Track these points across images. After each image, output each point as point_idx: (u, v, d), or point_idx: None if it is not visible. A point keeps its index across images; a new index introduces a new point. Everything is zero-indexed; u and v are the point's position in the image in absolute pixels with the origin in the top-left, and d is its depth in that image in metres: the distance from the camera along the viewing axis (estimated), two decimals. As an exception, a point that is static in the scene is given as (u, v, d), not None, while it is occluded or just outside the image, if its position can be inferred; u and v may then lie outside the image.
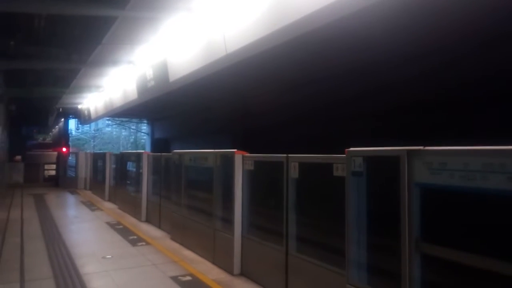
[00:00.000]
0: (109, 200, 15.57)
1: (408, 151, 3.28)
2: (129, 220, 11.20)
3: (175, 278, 6.08)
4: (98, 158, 18.25)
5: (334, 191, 4.29)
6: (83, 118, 22.93)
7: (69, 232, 9.60)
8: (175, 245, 8.20)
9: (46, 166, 24.05)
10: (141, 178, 11.35)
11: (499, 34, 6.77)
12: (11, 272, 6.43)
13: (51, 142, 31.05)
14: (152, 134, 27.10)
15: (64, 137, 25.51)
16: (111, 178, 15.77)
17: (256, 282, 5.90)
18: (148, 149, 26.99)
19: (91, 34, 8.64)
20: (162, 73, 9.73)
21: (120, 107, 15.14)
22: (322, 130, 11.32)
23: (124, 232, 9.51)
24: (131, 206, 12.10)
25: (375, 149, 3.71)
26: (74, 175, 21.53)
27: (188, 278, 6.12)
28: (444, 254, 3.05)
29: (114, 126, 48.97)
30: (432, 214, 3.23)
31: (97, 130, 57.51)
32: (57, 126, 29.79)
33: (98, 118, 21.66)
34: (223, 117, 16.73)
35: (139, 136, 49.92)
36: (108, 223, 10.70)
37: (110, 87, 14.49)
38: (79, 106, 21.43)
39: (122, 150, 43.50)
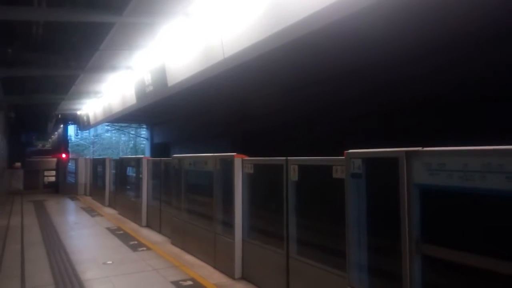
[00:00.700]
0: (109, 205, 15.55)
1: (407, 152, 3.29)
2: (130, 226, 11.18)
3: (176, 283, 6.06)
4: (97, 164, 18.23)
5: (334, 193, 4.29)
6: (82, 124, 22.93)
7: (70, 238, 9.58)
8: (176, 250, 8.19)
9: (45, 173, 24.01)
10: (141, 183, 11.34)
11: (500, 31, 6.76)
12: (12, 279, 6.41)
13: (50, 148, 31.00)
14: (151, 139, 27.10)
15: (63, 143, 25.49)
16: (111, 184, 15.76)
17: (258, 285, 5.89)
18: (147, 154, 26.97)
19: (89, 41, 8.65)
20: (161, 78, 9.74)
21: (119, 112, 15.14)
22: (321, 132, 11.34)
23: (125, 237, 9.50)
24: (132, 212, 12.08)
25: (374, 150, 3.71)
26: (74, 181, 21.51)
27: (189, 282, 6.11)
28: (445, 255, 3.05)
29: (113, 131, 48.98)
30: (432, 215, 3.23)
31: (97, 135, 57.54)
32: (56, 133, 29.77)
33: (97, 123, 21.66)
34: (222, 121, 16.75)
35: (139, 141, 49.96)
36: (108, 228, 10.69)
37: (108, 92, 14.51)
38: (78, 112, 21.44)
39: (121, 155, 43.49)
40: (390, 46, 7.95)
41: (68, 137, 28.41)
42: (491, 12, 6.25)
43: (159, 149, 24.58)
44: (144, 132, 31.53)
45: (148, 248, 8.37)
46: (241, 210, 6.36)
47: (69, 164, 23.10)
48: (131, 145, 56.67)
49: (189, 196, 8.35)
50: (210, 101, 15.45)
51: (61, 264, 7.24)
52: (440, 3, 6.15)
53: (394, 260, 3.38)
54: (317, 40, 7.43)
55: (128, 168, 13.21)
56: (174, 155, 9.13)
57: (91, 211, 14.27)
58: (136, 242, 8.93)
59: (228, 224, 6.58)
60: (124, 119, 23.20)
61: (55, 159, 23.96)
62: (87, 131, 46.56)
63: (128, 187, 13.02)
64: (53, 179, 23.46)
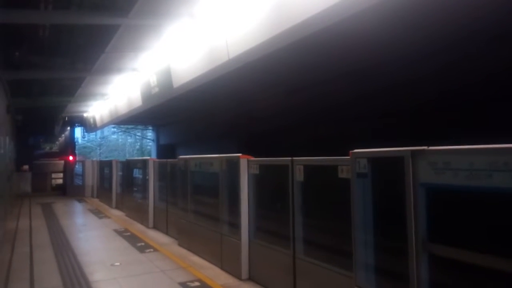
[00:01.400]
0: (116, 207, 15.63)
1: (412, 151, 3.27)
2: (137, 227, 11.23)
3: (183, 284, 6.08)
4: (104, 166, 18.33)
5: (340, 193, 4.28)
6: (88, 126, 23.08)
7: (77, 240, 9.65)
8: (183, 251, 8.21)
9: (53, 175, 24.17)
10: (148, 185, 11.38)
11: (506, 30, 6.71)
12: (21, 282, 6.47)
13: (57, 151, 31.20)
14: (157, 140, 27.20)
15: (70, 145, 25.68)
16: (118, 186, 15.83)
17: (264, 286, 5.90)
18: (154, 155, 27.08)
19: (95, 43, 8.71)
20: (166, 79, 9.77)
21: (125, 114, 15.22)
22: (327, 132, 11.32)
23: (132, 239, 9.54)
24: (138, 213, 12.13)
25: (379, 150, 3.70)
26: (81, 184, 21.64)
27: (197, 284, 6.12)
28: (451, 254, 3.04)
29: (119, 133, 49.20)
30: (438, 214, 3.22)
31: (103, 137, 57.86)
32: (63, 135, 29.97)
33: (104, 125, 21.78)
34: (227, 122, 16.77)
35: (145, 143, 50.16)
36: (115, 230, 10.74)
37: (114, 94, 14.58)
38: (85, 115, 21.57)
39: (128, 157, 43.68)
40: (394, 45, 7.92)
41: (75, 140, 28.61)
42: (496, 11, 6.20)
43: (165, 150, 24.67)
44: (150, 133, 31.67)
45: (155, 250, 8.40)
46: (247, 210, 6.37)
47: (76, 166, 23.24)
48: (137, 146, 56.93)
49: (195, 197, 8.37)
50: (215, 102, 15.48)
51: (69, 266, 7.29)
52: (445, 2, 6.11)
53: (400, 260, 3.37)
54: (322, 40, 7.41)
55: (135, 169, 13.27)
56: (180, 156, 9.16)
57: (98, 213, 14.34)
58: (143, 244, 8.96)
59: (235, 225, 6.59)
60: (130, 120, 23.31)
61: (62, 162, 24.11)
62: (94, 133, 46.87)
63: (135, 188, 13.08)
64: (60, 181, 23.62)
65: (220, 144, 16.84)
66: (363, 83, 9.86)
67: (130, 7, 6.35)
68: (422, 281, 3.21)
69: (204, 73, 7.94)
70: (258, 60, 6.75)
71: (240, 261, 6.31)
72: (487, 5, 6.03)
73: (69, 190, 21.64)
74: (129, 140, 57.39)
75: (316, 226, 5.17)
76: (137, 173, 13.03)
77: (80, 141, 47.26)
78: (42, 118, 21.94)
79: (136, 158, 23.06)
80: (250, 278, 6.25)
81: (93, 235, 10.42)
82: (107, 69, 10.71)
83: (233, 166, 6.61)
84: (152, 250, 8.39)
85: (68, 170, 22.49)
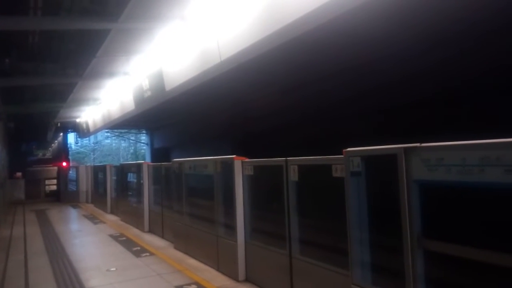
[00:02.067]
0: (111, 212, 15.55)
1: (405, 148, 3.29)
2: (132, 232, 11.18)
3: None
4: (98, 171, 18.24)
5: (335, 192, 4.29)
6: (81, 131, 22.94)
7: (73, 247, 9.59)
8: (179, 254, 8.19)
9: (47, 182, 24.01)
10: (142, 189, 11.34)
11: (500, 24, 6.73)
12: (16, 289, 6.42)
13: (51, 157, 31.00)
14: (151, 144, 27.10)
15: (63, 151, 25.52)
16: (112, 190, 15.76)
17: (262, 287, 5.89)
18: (148, 159, 26.96)
19: (86, 48, 8.67)
20: (158, 82, 9.75)
21: (118, 118, 15.15)
22: (321, 131, 11.33)
23: (128, 243, 9.50)
24: (134, 218, 12.08)
25: (372, 148, 3.72)
26: (75, 189, 21.51)
27: (194, 286, 6.11)
28: (446, 249, 3.05)
29: (113, 138, 48.99)
30: (433, 210, 3.24)
31: (96, 142, 57.54)
32: (56, 141, 29.77)
33: (97, 130, 21.67)
34: (221, 123, 16.75)
35: (139, 147, 49.94)
36: (111, 235, 10.68)
37: (107, 99, 14.51)
38: (78, 120, 21.44)
39: (122, 161, 43.47)
40: (387, 43, 7.93)
41: (68, 145, 28.46)
42: (493, 3, 6.22)
43: (160, 154, 24.57)
44: (144, 137, 31.53)
45: (151, 254, 8.37)
46: (242, 212, 6.36)
47: (70, 172, 23.10)
48: (131, 151, 56.67)
49: (190, 200, 8.35)
50: (208, 104, 15.46)
51: (64, 272, 7.24)
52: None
53: (396, 256, 3.38)
54: (314, 39, 7.42)
55: (129, 174, 13.21)
56: (174, 159, 9.14)
57: (93, 219, 14.26)
58: (139, 248, 8.92)
59: (230, 227, 6.58)
60: (123, 125, 23.20)
61: (56, 168, 23.97)
62: (87, 138, 46.59)
63: (130, 193, 13.02)
64: (54, 187, 23.47)
65: (215, 145, 16.80)
66: (357, 81, 9.88)
67: (120, 11, 6.32)
68: (418, 277, 3.22)
69: (197, 75, 7.93)
70: (250, 61, 6.74)
71: (237, 263, 6.30)
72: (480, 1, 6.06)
73: (63, 196, 21.50)
74: (123, 145, 57.12)
75: (312, 225, 5.18)
76: (131, 178, 12.98)
77: (73, 146, 46.98)
78: (35, 125, 21.78)
79: (130, 162, 22.97)
80: (247, 280, 6.25)
81: (88, 241, 10.36)
82: (98, 74, 10.65)
83: (228, 167, 6.61)
84: (148, 254, 8.35)
85: (61, 176, 22.35)
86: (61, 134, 26.07)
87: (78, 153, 54.57)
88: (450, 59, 7.74)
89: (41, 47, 8.94)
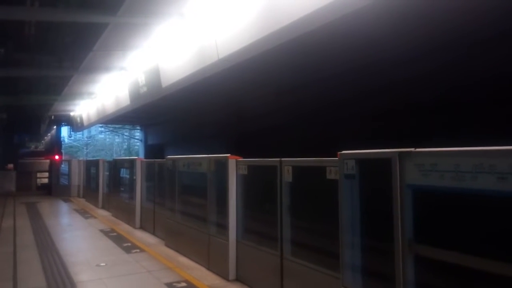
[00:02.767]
0: (103, 207, 15.47)
1: (400, 153, 3.30)
2: (123, 227, 11.12)
3: (170, 285, 6.04)
4: (91, 166, 18.13)
5: (328, 194, 4.29)
6: (75, 125, 22.81)
7: (63, 241, 9.51)
8: (170, 252, 8.16)
9: (38, 174, 23.84)
10: (135, 185, 11.29)
11: (497, 32, 6.77)
12: (4, 282, 6.35)
13: (43, 150, 30.83)
14: (145, 140, 27.00)
15: (56, 144, 25.34)
16: (105, 186, 15.68)
17: (252, 287, 5.88)
18: (141, 155, 26.87)
19: (82, 41, 8.62)
20: (155, 79, 9.71)
21: (113, 113, 15.09)
22: (317, 133, 11.36)
23: (118, 239, 9.45)
24: (125, 213, 12.02)
25: (367, 151, 3.72)
26: (67, 183, 21.36)
27: (183, 284, 6.09)
28: (438, 255, 3.07)
29: (107, 133, 48.75)
30: (425, 215, 3.25)
31: (90, 137, 57.28)
32: (49, 134, 29.59)
33: (91, 125, 21.56)
34: (216, 122, 16.74)
35: (133, 143, 49.76)
36: (102, 230, 10.62)
37: (102, 93, 14.44)
38: (72, 113, 21.33)
39: (115, 157, 43.29)
40: (385, 46, 7.97)
41: (61, 139, 28.25)
42: (489, 12, 6.26)
43: (153, 151, 24.49)
44: (138, 133, 31.43)
45: (142, 250, 8.33)
46: (235, 211, 6.35)
47: (62, 165, 22.94)
48: (125, 146, 56.48)
49: (183, 198, 8.32)
50: (204, 102, 15.44)
51: (54, 266, 7.18)
52: (437, 3, 6.16)
53: (387, 260, 3.39)
54: (312, 41, 7.44)
55: (122, 169, 13.14)
56: (168, 156, 9.11)
57: (84, 213, 14.18)
58: (129, 244, 8.88)
59: (222, 226, 6.57)
60: (118, 120, 23.11)
61: (48, 161, 23.80)
62: (81, 132, 46.36)
63: (122, 188, 12.96)
64: (46, 181, 23.30)
65: (209, 144, 16.78)
66: (354, 84, 9.92)
67: (119, 5, 6.28)
68: (408, 282, 3.23)
69: (193, 73, 7.91)
70: (248, 60, 6.75)
71: (228, 262, 6.29)
72: (483, 5, 6.08)
73: (55, 189, 21.34)
74: (116, 140, 56.89)
75: (304, 227, 5.19)
76: (124, 173, 12.92)
77: (66, 140, 46.69)
78: (28, 117, 21.64)
79: (123, 157, 22.89)
80: (238, 279, 6.24)
81: (78, 235, 10.29)
82: (94, 68, 10.59)
83: (222, 166, 6.59)
84: (138, 250, 8.32)
85: (54, 169, 22.18)
86: (55, 127, 25.90)
87: (71, 147, 54.28)
88: (447, 64, 7.79)
89: (37, 39, 8.87)
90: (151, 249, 8.42)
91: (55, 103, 16.90)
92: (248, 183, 6.28)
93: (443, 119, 8.04)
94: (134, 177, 11.35)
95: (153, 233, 10.06)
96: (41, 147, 32.56)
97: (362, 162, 3.77)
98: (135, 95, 11.47)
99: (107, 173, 15.44)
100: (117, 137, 52.21)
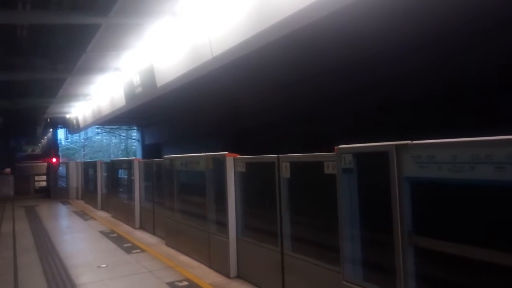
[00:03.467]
0: (102, 209, 15.44)
1: (397, 145, 3.30)
2: (123, 228, 11.12)
3: (171, 284, 6.05)
4: (89, 167, 18.09)
5: (327, 189, 4.30)
6: (71, 127, 22.73)
7: (63, 243, 9.50)
8: (171, 251, 8.16)
9: (36, 178, 23.79)
10: (133, 185, 11.27)
11: (496, 22, 6.74)
12: (5, 286, 6.34)
13: (40, 153, 30.73)
14: (142, 140, 26.96)
15: (53, 147, 25.24)
16: (103, 187, 15.65)
17: (253, 283, 5.89)
18: (139, 155, 26.85)
19: (75, 43, 8.58)
20: (149, 78, 9.68)
21: (109, 114, 15.04)
22: (314, 128, 11.36)
23: (118, 240, 9.44)
24: (124, 214, 12.01)
25: (364, 145, 3.73)
26: (65, 185, 21.32)
27: (185, 283, 6.09)
28: (437, 246, 3.08)
29: (104, 134, 48.60)
30: (424, 207, 3.26)
31: (87, 139, 57.09)
32: (46, 137, 29.48)
33: (87, 126, 21.48)
34: (213, 120, 16.72)
35: (130, 143, 49.69)
36: (101, 232, 10.61)
37: (97, 95, 14.39)
38: (67, 116, 21.23)
39: (113, 157, 43.21)
40: (381, 39, 7.95)
41: (58, 141, 28.14)
42: (486, 2, 6.24)
43: (151, 150, 24.46)
44: (135, 133, 31.37)
45: (143, 250, 8.33)
46: (234, 208, 6.35)
47: (60, 168, 22.89)
48: (122, 147, 56.35)
49: (182, 197, 8.32)
50: (200, 101, 15.41)
51: (54, 269, 7.18)
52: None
53: (387, 253, 3.40)
54: (306, 36, 7.42)
55: (120, 170, 13.12)
56: (166, 155, 9.09)
57: (83, 215, 14.16)
58: (130, 245, 8.88)
59: (222, 223, 6.57)
60: (114, 121, 23.04)
61: (45, 164, 23.75)
62: (77, 134, 46.15)
63: (121, 189, 12.94)
64: (44, 184, 23.25)
65: (206, 142, 16.77)
66: (349, 79, 9.91)
67: (111, 6, 6.25)
68: (409, 274, 3.24)
69: (188, 72, 7.89)
70: (242, 58, 6.73)
71: (228, 259, 6.30)
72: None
73: (53, 192, 21.30)
74: (113, 141, 56.76)
75: (304, 222, 5.19)
76: (122, 174, 12.89)
77: (63, 142, 46.49)
78: (24, 120, 21.55)
79: (121, 158, 22.85)
80: (239, 276, 6.25)
81: (78, 237, 10.28)
82: (89, 69, 10.54)
83: (219, 164, 6.59)
84: (139, 250, 8.32)
85: (51, 172, 22.14)
86: (51, 129, 25.79)
87: (68, 149, 54.09)
88: (444, 57, 7.78)
89: (30, 41, 8.82)
90: (151, 249, 8.42)
91: (51, 105, 16.82)
92: (247, 181, 6.28)
93: (442, 111, 8.04)
94: (133, 178, 11.33)
95: (153, 233, 10.06)
96: (38, 150, 32.44)
97: (359, 156, 3.77)
98: (131, 96, 11.44)
99: (105, 174, 15.42)
100: (114, 138, 52.14)
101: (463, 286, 2.98)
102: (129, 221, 11.48)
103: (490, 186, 2.66)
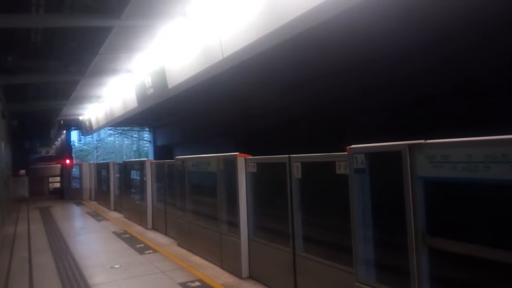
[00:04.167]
0: (115, 209, 15.59)
1: (410, 145, 3.27)
2: (136, 229, 11.20)
3: (184, 285, 6.07)
4: (101, 168, 18.28)
5: (339, 189, 4.27)
6: (84, 129, 22.97)
7: (77, 244, 9.61)
8: (183, 251, 8.20)
9: (50, 179, 24.08)
10: (145, 186, 11.35)
11: (506, 21, 6.64)
12: (20, 286, 6.44)
13: (54, 154, 31.10)
14: (154, 141, 27.14)
15: (67, 149, 25.57)
16: (116, 188, 15.79)
17: (265, 284, 5.89)
18: (151, 156, 27.02)
19: (88, 45, 8.66)
20: (161, 80, 9.73)
21: (121, 116, 15.15)
22: (324, 128, 11.31)
23: (131, 240, 9.52)
24: (137, 215, 12.10)
25: (376, 145, 3.69)
26: (78, 187, 21.57)
27: (197, 284, 6.11)
28: (451, 247, 3.03)
29: (116, 135, 49.10)
30: (438, 207, 3.22)
31: (100, 140, 57.73)
32: (59, 139, 29.86)
33: (100, 128, 21.68)
34: (224, 121, 16.75)
35: (142, 144, 50.03)
36: (114, 232, 10.71)
37: (110, 96, 14.52)
38: (80, 117, 21.48)
39: (125, 159, 43.59)
40: (390, 39, 7.89)
41: (71, 143, 28.50)
42: (495, 2, 6.16)
43: (162, 151, 24.62)
44: (146, 135, 31.57)
45: (155, 251, 8.38)
46: (245, 209, 6.35)
47: (73, 169, 23.15)
48: (134, 148, 56.81)
49: (193, 197, 8.35)
50: (211, 102, 15.45)
51: (68, 269, 7.26)
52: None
53: (401, 254, 3.36)
54: (317, 36, 7.39)
55: (132, 171, 13.23)
56: (177, 156, 9.13)
57: (97, 216, 14.30)
58: (142, 245, 8.94)
59: (233, 224, 6.57)
60: (126, 122, 23.24)
61: (59, 165, 24.04)
62: (90, 136, 46.68)
63: (133, 190, 13.04)
64: (58, 185, 23.53)
65: (217, 143, 16.81)
66: (360, 79, 9.85)
67: (123, 8, 6.30)
68: (423, 275, 3.20)
69: (199, 73, 7.91)
70: (252, 58, 6.72)
71: (240, 260, 6.30)
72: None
73: (67, 193, 21.57)
74: (126, 142, 57.28)
75: (315, 222, 5.17)
76: (134, 175, 13.00)
77: (76, 144, 47.07)
78: (38, 122, 21.83)
79: (133, 159, 23.04)
80: (251, 277, 6.25)
81: (92, 238, 10.39)
82: (101, 71, 10.65)
83: (231, 165, 6.60)
84: (151, 251, 8.37)
85: (65, 173, 22.42)
86: (64, 131, 26.13)
87: (81, 150, 54.76)
88: (454, 55, 7.68)
89: (43, 45, 8.93)
90: (164, 249, 8.47)
91: (64, 107, 17.03)
92: (258, 181, 6.27)
93: (454, 110, 7.94)
94: (145, 179, 11.41)
95: (165, 233, 10.11)
96: (52, 152, 32.85)
97: (372, 156, 3.74)
98: (142, 97, 11.51)
99: (118, 175, 15.56)
100: (126, 139, 52.60)
101: (479, 288, 2.93)
102: (142, 221, 11.56)
103: (507, 186, 2.61)
